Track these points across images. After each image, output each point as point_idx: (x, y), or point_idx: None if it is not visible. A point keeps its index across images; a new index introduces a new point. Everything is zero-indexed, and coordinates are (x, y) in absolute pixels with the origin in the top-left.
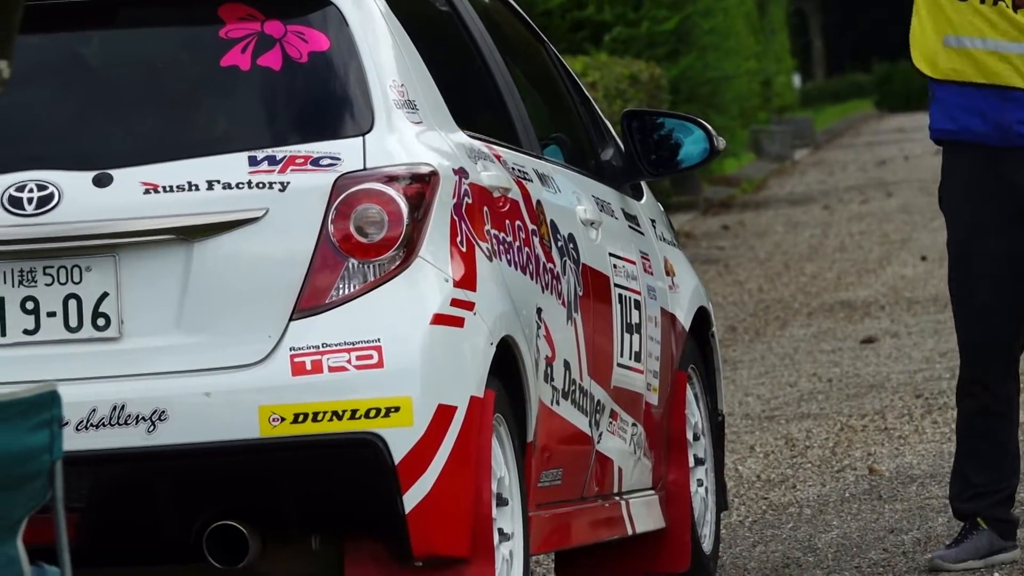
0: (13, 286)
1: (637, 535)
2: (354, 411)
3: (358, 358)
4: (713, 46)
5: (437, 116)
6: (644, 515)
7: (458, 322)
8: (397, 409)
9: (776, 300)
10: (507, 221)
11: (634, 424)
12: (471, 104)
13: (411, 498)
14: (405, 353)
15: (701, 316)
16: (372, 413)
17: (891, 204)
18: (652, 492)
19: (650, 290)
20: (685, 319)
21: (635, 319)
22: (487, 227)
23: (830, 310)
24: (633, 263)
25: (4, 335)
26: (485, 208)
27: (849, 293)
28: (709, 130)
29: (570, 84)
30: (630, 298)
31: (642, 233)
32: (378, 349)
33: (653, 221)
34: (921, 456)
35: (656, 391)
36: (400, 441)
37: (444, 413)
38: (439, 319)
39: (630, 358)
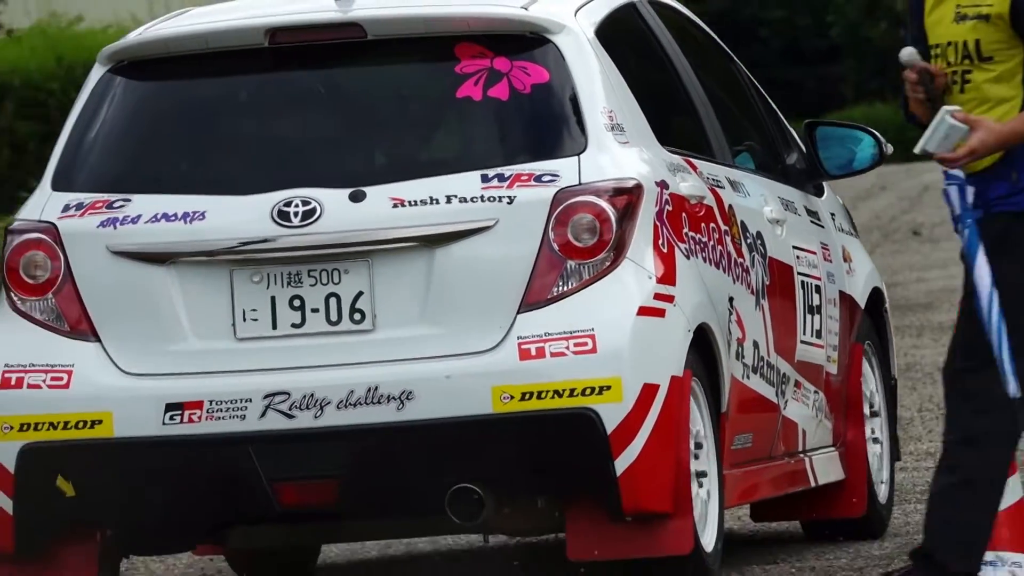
0: (282, 287)
1: (820, 486)
2: (572, 390)
3: (575, 345)
4: None
5: (641, 136)
6: (826, 469)
7: (660, 313)
8: (609, 388)
9: None
10: (702, 224)
11: (816, 391)
12: (670, 120)
13: (622, 463)
14: (615, 340)
15: (875, 295)
16: (588, 391)
17: None
18: (832, 449)
19: (829, 275)
20: (861, 299)
21: (815, 301)
22: (685, 230)
23: None
24: (814, 253)
25: (275, 328)
26: (683, 214)
27: None
28: (879, 137)
29: (757, 95)
30: (811, 284)
31: (822, 226)
32: (592, 337)
33: (833, 215)
34: None
35: (835, 362)
36: (612, 415)
37: (649, 390)
38: (644, 311)
39: (812, 335)
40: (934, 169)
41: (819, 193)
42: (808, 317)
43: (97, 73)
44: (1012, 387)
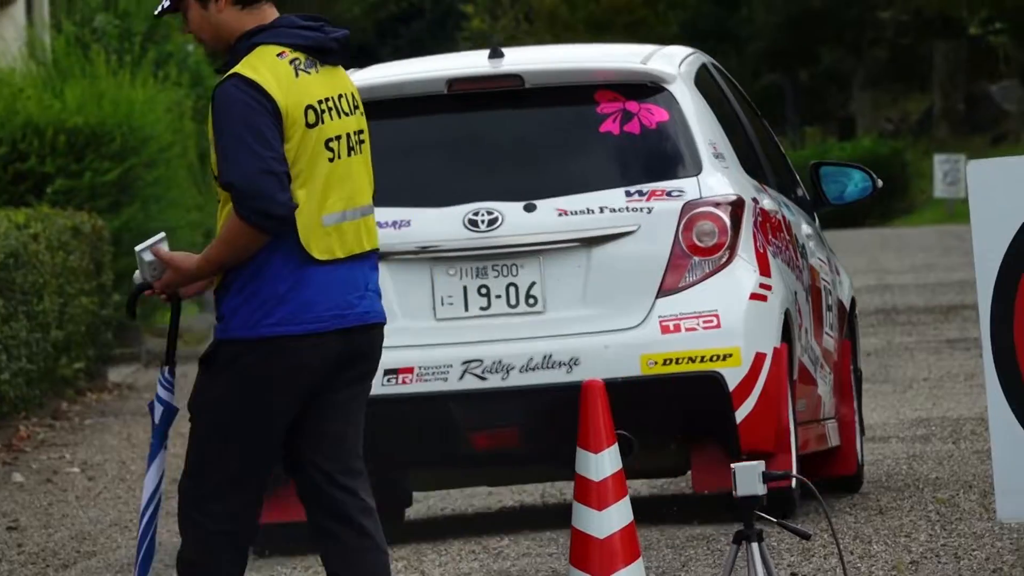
0: (472, 278)
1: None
2: (702, 357)
3: (704, 322)
4: (155, 197)
5: (733, 163)
6: (833, 435)
7: (763, 298)
8: (730, 355)
9: None
10: (779, 233)
11: (830, 372)
12: (744, 154)
13: (740, 414)
14: (734, 319)
15: (852, 303)
16: (714, 358)
17: None
18: (834, 419)
19: (831, 283)
20: (846, 304)
21: (829, 302)
22: (770, 236)
23: None
24: (825, 264)
25: (467, 310)
26: (768, 224)
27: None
28: (869, 173)
29: (773, 141)
30: (826, 287)
31: (823, 245)
32: (716, 316)
33: (821, 238)
34: None
35: (837, 352)
36: (733, 376)
37: (759, 358)
38: (753, 296)
39: (829, 328)
40: None
41: (813, 220)
42: (827, 313)
43: None
44: None
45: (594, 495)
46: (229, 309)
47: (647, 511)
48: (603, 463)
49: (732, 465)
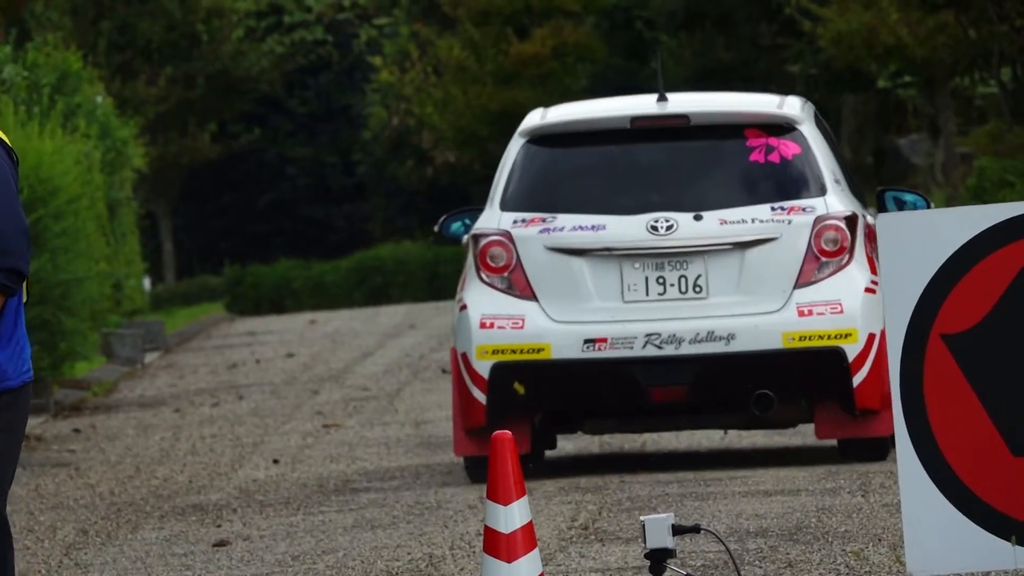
0: (652, 271)
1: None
2: (829, 335)
3: (831, 309)
4: (64, 248)
5: (846, 187)
6: None
7: (873, 292)
8: (850, 335)
9: (128, 503)
10: (873, 243)
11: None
12: (848, 180)
13: (856, 379)
14: (853, 307)
15: None
16: (837, 336)
17: (243, 407)
18: None
19: None
20: None
21: None
22: (871, 245)
23: (182, 513)
24: None
25: (647, 295)
26: (871, 234)
27: (201, 496)
28: (924, 196)
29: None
30: None
31: None
32: (840, 304)
33: None
34: None
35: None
36: (851, 350)
37: (871, 337)
38: (867, 290)
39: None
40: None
41: None
42: None
43: (517, 143)
44: None
45: (503, 547)
46: (6, 358)
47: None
48: (512, 515)
49: (641, 518)
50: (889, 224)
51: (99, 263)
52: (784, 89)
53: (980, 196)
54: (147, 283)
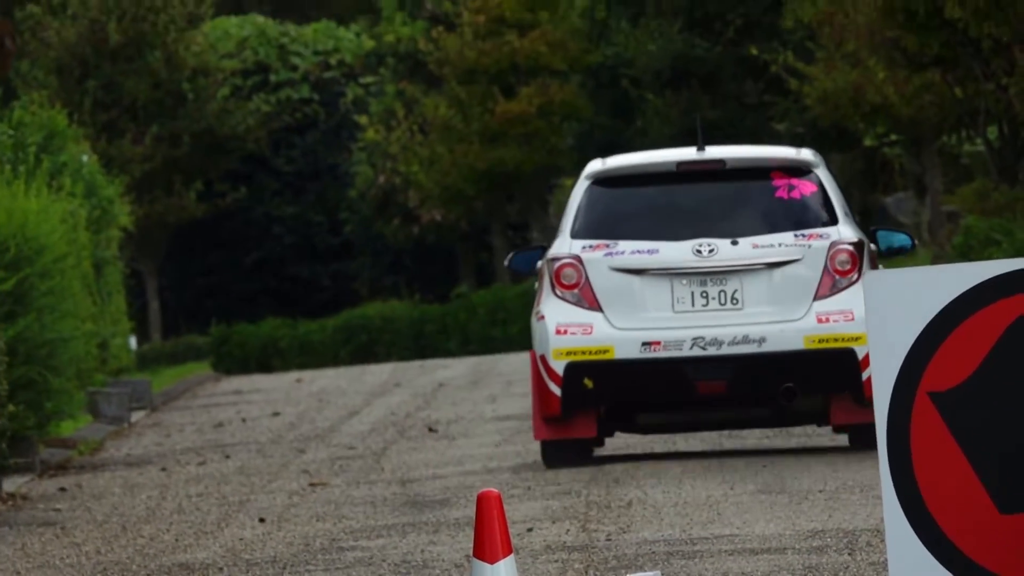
0: (697, 287)
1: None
2: (842, 338)
3: (844, 317)
4: (50, 307)
5: (852, 220)
6: None
7: None
8: (859, 338)
9: (114, 562)
10: (875, 265)
11: None
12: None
13: (865, 374)
14: (861, 315)
15: None
16: (849, 339)
17: (229, 466)
18: None
19: None
20: None
21: None
22: (874, 266)
23: (168, 572)
24: None
25: (693, 306)
26: (874, 257)
27: (187, 555)
28: (911, 234)
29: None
30: None
31: None
32: (852, 313)
33: None
34: None
35: None
36: (861, 351)
37: None
38: None
39: None
40: (447, 367)
41: None
42: None
43: (583, 185)
44: None
45: None
46: None
47: None
48: (499, 575)
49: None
50: (876, 281)
51: (85, 322)
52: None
53: (967, 254)
54: (133, 342)
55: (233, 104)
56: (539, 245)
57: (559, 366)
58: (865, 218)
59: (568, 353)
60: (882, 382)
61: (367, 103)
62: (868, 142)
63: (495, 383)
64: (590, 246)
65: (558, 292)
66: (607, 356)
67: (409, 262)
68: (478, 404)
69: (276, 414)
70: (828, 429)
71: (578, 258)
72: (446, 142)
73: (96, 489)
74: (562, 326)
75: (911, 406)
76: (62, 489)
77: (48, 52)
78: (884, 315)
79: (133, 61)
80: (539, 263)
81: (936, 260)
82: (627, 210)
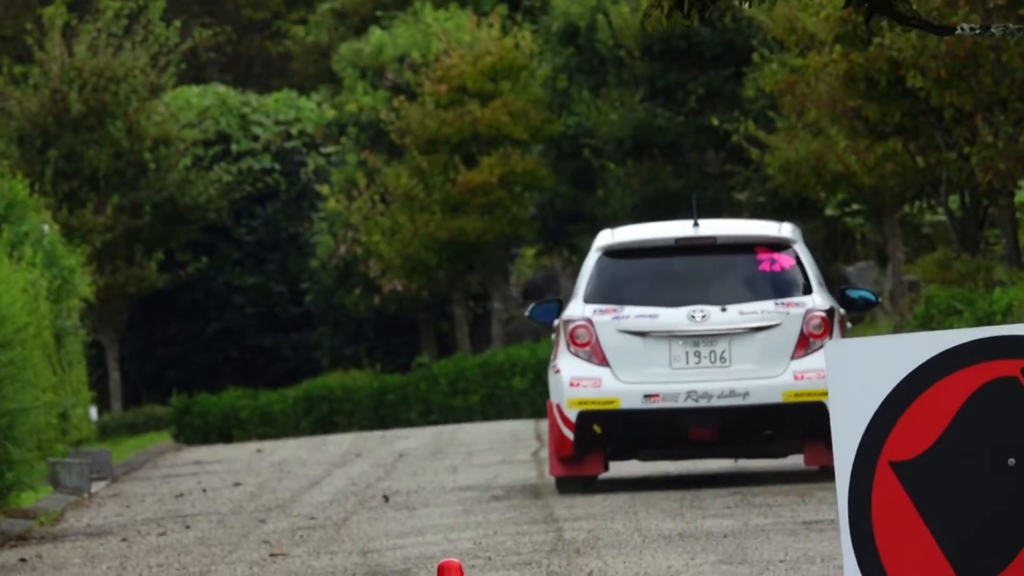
0: (691, 347)
1: None
2: (816, 393)
3: (817, 375)
4: (10, 378)
5: (824, 289)
6: None
7: None
8: (827, 392)
9: None
10: (845, 326)
11: None
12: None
13: None
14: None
15: None
16: (820, 394)
17: (189, 536)
18: None
19: None
20: None
21: None
22: (845, 329)
23: None
24: None
25: (687, 364)
26: (844, 322)
27: None
28: (874, 292)
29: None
30: None
31: None
32: (823, 371)
33: None
34: None
35: None
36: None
37: None
38: None
39: None
40: (408, 437)
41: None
42: None
43: (594, 256)
44: None
45: None
46: None
47: None
48: None
49: None
50: (837, 351)
51: (46, 392)
52: (733, 217)
53: (928, 324)
54: (94, 412)
55: (194, 174)
56: (555, 299)
57: (572, 414)
58: (828, 287)
59: (580, 403)
60: (843, 451)
61: (328, 173)
62: (830, 211)
63: (456, 453)
64: (600, 310)
65: (572, 349)
66: (614, 406)
67: (370, 332)
68: (439, 474)
69: (237, 484)
70: (802, 458)
71: (590, 321)
72: (407, 212)
73: (57, 560)
74: (575, 379)
75: (872, 475)
76: (23, 560)
77: (9, 122)
78: (846, 384)
79: (94, 131)
80: (555, 321)
81: (898, 329)
82: (632, 278)
